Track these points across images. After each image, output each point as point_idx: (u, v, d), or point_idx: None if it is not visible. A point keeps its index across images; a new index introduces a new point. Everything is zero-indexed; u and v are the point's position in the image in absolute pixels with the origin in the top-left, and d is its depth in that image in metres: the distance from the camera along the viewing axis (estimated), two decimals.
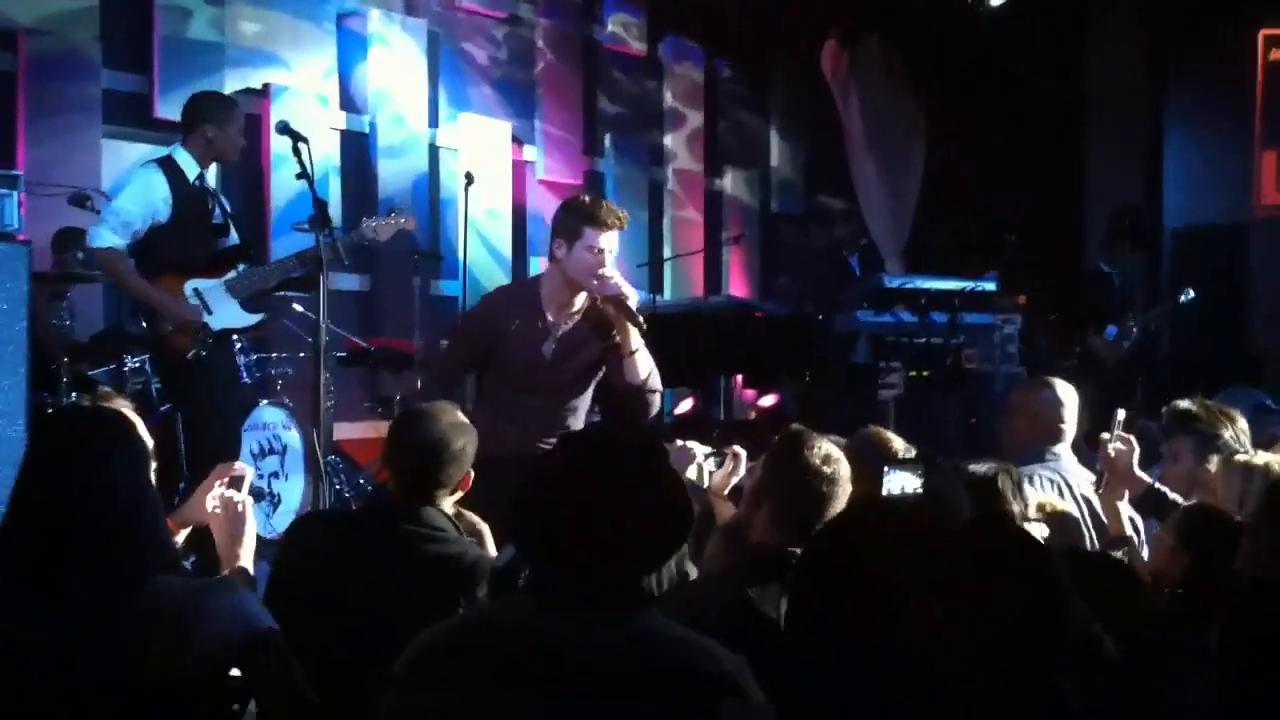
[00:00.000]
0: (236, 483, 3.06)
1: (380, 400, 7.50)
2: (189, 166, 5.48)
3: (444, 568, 2.91)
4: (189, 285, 5.46)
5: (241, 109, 5.79)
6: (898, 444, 3.69)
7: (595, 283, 4.34)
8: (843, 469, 3.01)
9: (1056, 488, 4.20)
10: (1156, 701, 2.35)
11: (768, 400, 9.03)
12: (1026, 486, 3.90)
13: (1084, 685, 2.26)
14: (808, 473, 2.95)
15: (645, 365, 4.45)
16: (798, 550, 2.76)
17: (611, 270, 4.34)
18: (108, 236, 5.36)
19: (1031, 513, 3.63)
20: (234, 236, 5.67)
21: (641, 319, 4.41)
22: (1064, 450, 4.37)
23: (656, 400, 4.57)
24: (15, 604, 2.23)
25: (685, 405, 8.81)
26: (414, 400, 4.70)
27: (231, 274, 5.56)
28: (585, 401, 4.63)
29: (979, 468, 3.61)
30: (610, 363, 4.49)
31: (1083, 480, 4.27)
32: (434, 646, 2.19)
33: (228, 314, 5.53)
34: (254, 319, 5.68)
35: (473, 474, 3.17)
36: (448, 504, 3.09)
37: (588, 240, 4.32)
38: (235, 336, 5.62)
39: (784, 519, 2.95)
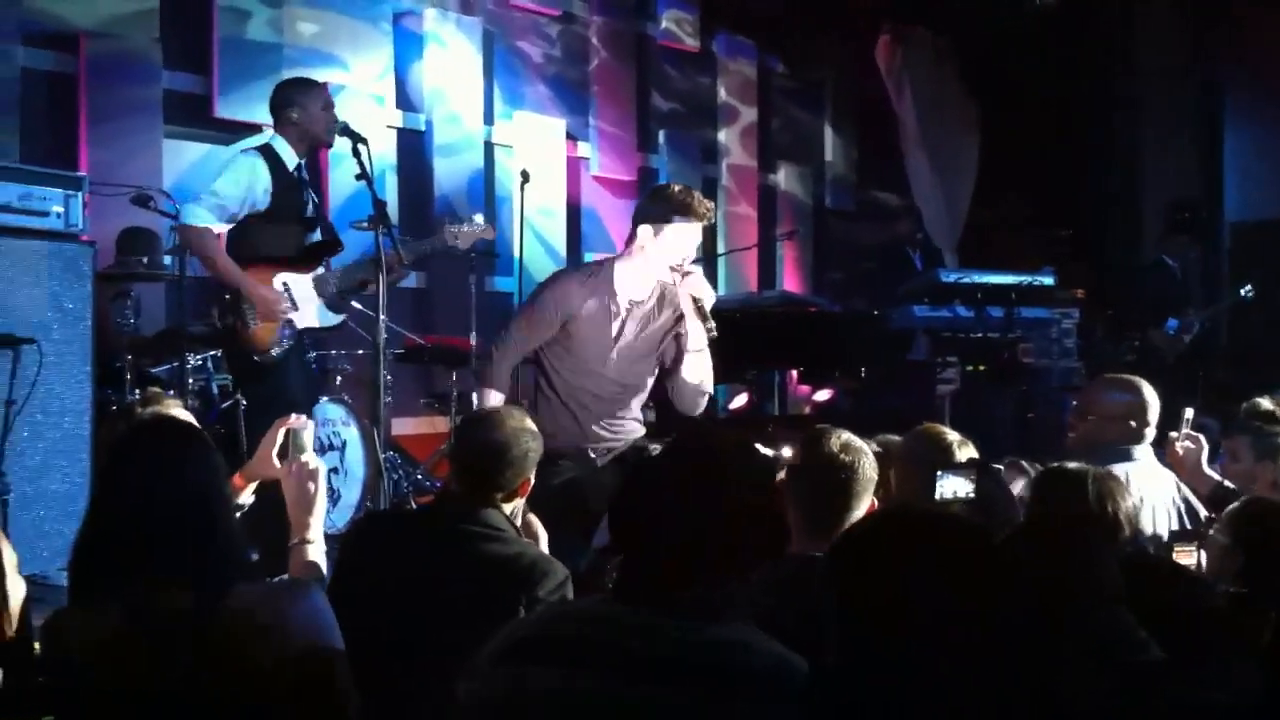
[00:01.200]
0: (296, 435, 3.11)
1: (436, 396, 7.56)
2: (288, 156, 5.34)
3: (502, 568, 2.93)
4: (279, 279, 5.29)
5: (323, 88, 5.60)
6: (953, 438, 3.64)
7: (678, 275, 4.35)
8: (864, 460, 2.97)
9: (1140, 486, 4.15)
10: (1205, 704, 2.33)
11: (822, 395, 9.00)
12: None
13: (1125, 690, 2.26)
14: (824, 462, 2.94)
15: (703, 367, 4.46)
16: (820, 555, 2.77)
17: (697, 268, 4.35)
18: (202, 215, 5.19)
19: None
20: (327, 232, 5.56)
21: (712, 324, 4.40)
22: (1144, 452, 4.28)
23: (703, 402, 4.57)
24: (97, 615, 2.25)
25: (739, 400, 8.80)
26: (483, 376, 4.65)
27: (319, 271, 5.41)
28: (642, 395, 4.64)
29: (1071, 466, 3.51)
30: (670, 357, 4.50)
31: (1167, 480, 4.19)
32: (521, 635, 2.21)
33: (312, 312, 5.39)
34: (336, 319, 5.51)
35: (533, 479, 3.19)
36: (507, 507, 3.11)
37: (677, 229, 4.32)
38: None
39: (806, 519, 2.93)
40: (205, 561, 2.27)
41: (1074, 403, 4.67)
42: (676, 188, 4.55)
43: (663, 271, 4.39)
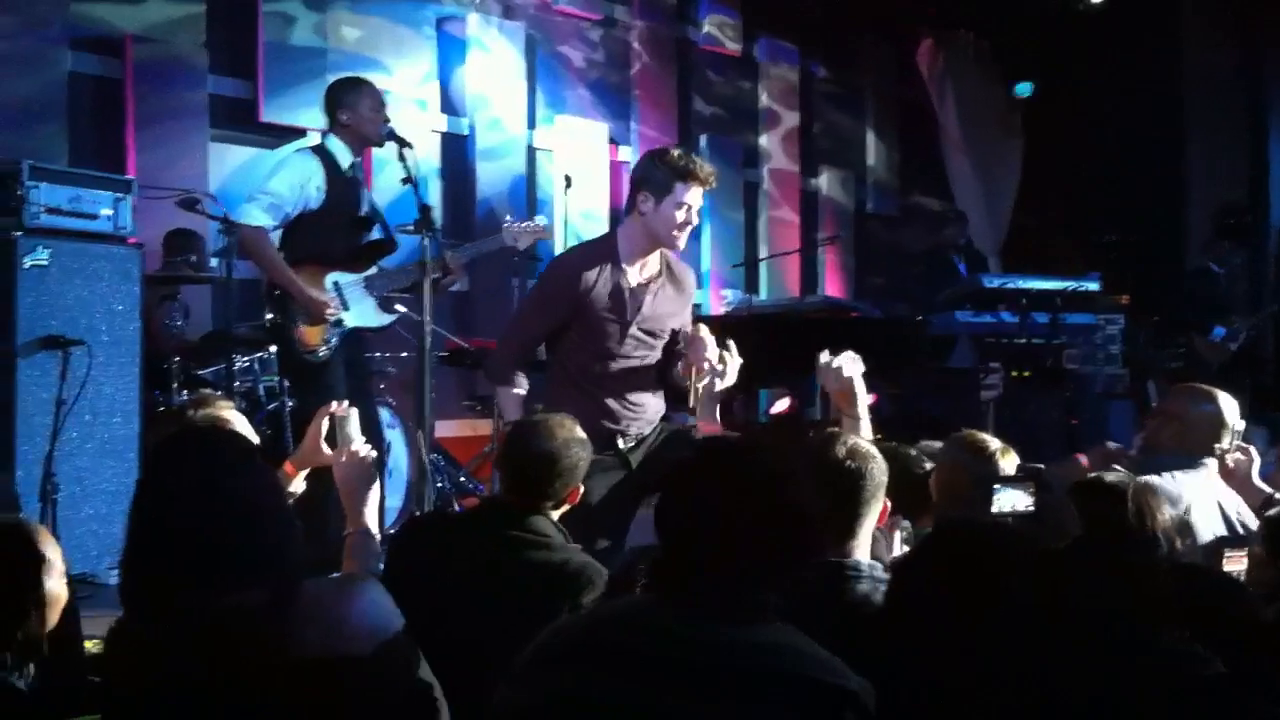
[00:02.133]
0: (341, 423, 3.14)
1: (478, 398, 7.58)
2: (342, 155, 5.39)
3: (548, 575, 2.93)
4: (329, 278, 5.34)
5: (372, 87, 5.65)
6: (995, 445, 3.60)
7: (678, 249, 4.28)
8: (872, 466, 2.91)
9: (1205, 497, 4.11)
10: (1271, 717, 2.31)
11: (780, 405, 8.96)
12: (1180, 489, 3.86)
13: (1183, 703, 2.25)
14: (832, 469, 2.86)
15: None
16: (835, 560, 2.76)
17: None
18: (257, 215, 5.24)
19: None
20: (378, 232, 5.57)
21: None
22: (1212, 464, 4.23)
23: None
24: (163, 624, 2.25)
25: (782, 404, 8.78)
26: (495, 375, 4.57)
27: (372, 270, 5.44)
28: (654, 373, 4.51)
29: (1110, 478, 3.47)
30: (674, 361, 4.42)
31: (1229, 495, 4.15)
32: (560, 637, 2.21)
33: (363, 312, 5.42)
34: (388, 319, 5.55)
35: (582, 489, 3.18)
36: (554, 515, 3.11)
37: (678, 196, 4.22)
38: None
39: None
40: (267, 567, 2.27)
41: (1154, 404, 4.64)
42: (676, 152, 4.39)
43: (669, 238, 4.32)
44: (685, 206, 4.25)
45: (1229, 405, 4.24)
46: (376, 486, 3.11)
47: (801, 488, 2.24)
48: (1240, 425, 4.04)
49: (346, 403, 3.26)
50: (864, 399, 3.87)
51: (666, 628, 2.11)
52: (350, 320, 5.36)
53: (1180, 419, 4.28)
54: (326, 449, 3.19)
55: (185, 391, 5.62)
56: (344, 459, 3.10)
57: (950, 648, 2.27)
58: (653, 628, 2.12)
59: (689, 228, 4.31)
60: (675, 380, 4.44)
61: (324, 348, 5.28)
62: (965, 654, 2.25)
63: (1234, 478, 3.90)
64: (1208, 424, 4.22)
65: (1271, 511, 3.59)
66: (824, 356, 3.89)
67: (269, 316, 5.33)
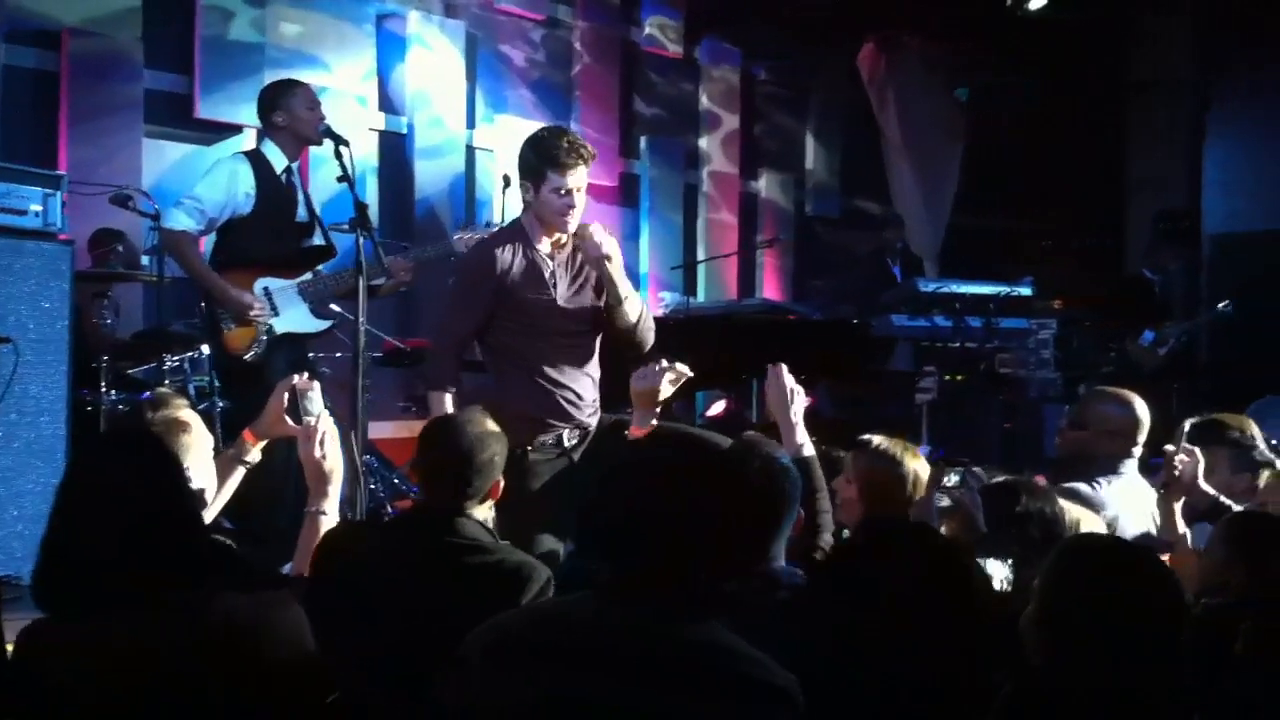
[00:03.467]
0: (303, 395, 3.19)
1: (414, 399, 7.54)
2: (276, 159, 5.38)
3: (484, 578, 2.91)
4: (259, 283, 5.33)
5: (306, 87, 5.64)
6: (894, 447, 3.66)
7: (570, 233, 4.30)
8: (784, 483, 2.98)
9: (1126, 500, 4.16)
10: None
11: (715, 409, 9.01)
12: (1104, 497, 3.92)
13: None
14: (747, 491, 2.88)
15: (634, 309, 4.37)
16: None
17: (591, 229, 4.22)
18: (181, 219, 5.25)
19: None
20: (318, 238, 5.54)
21: (620, 274, 4.27)
22: (1130, 467, 4.30)
23: (649, 338, 4.44)
24: (81, 625, 2.24)
25: (718, 407, 8.81)
26: (429, 378, 4.55)
27: (307, 276, 5.43)
28: (595, 362, 4.48)
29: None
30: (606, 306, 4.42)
31: (1149, 495, 4.22)
32: (501, 633, 2.22)
33: (295, 318, 5.40)
34: (322, 325, 5.52)
35: (503, 482, 3.17)
36: (478, 512, 3.09)
37: (553, 183, 4.23)
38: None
39: None
40: (181, 568, 2.27)
41: (1066, 409, 4.68)
42: (545, 134, 4.38)
43: (559, 224, 4.32)
44: (563, 189, 4.25)
45: (1140, 407, 4.30)
46: (340, 463, 3.12)
47: (733, 486, 2.27)
48: (1186, 425, 4.10)
49: (306, 375, 3.27)
50: (799, 408, 3.94)
51: (600, 624, 2.12)
52: (280, 325, 5.34)
53: (1093, 424, 4.33)
54: (289, 420, 3.20)
55: (114, 391, 5.56)
56: (308, 435, 3.10)
57: (868, 641, 2.31)
58: (587, 624, 2.13)
59: (573, 210, 4.31)
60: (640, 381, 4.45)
61: (251, 352, 5.26)
62: (879, 646, 2.28)
63: (1181, 480, 3.95)
64: (1121, 426, 4.28)
65: (1234, 511, 3.65)
66: (778, 367, 4.01)
67: (200, 320, 5.35)
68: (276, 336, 5.33)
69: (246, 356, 5.28)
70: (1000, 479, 3.81)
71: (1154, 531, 4.09)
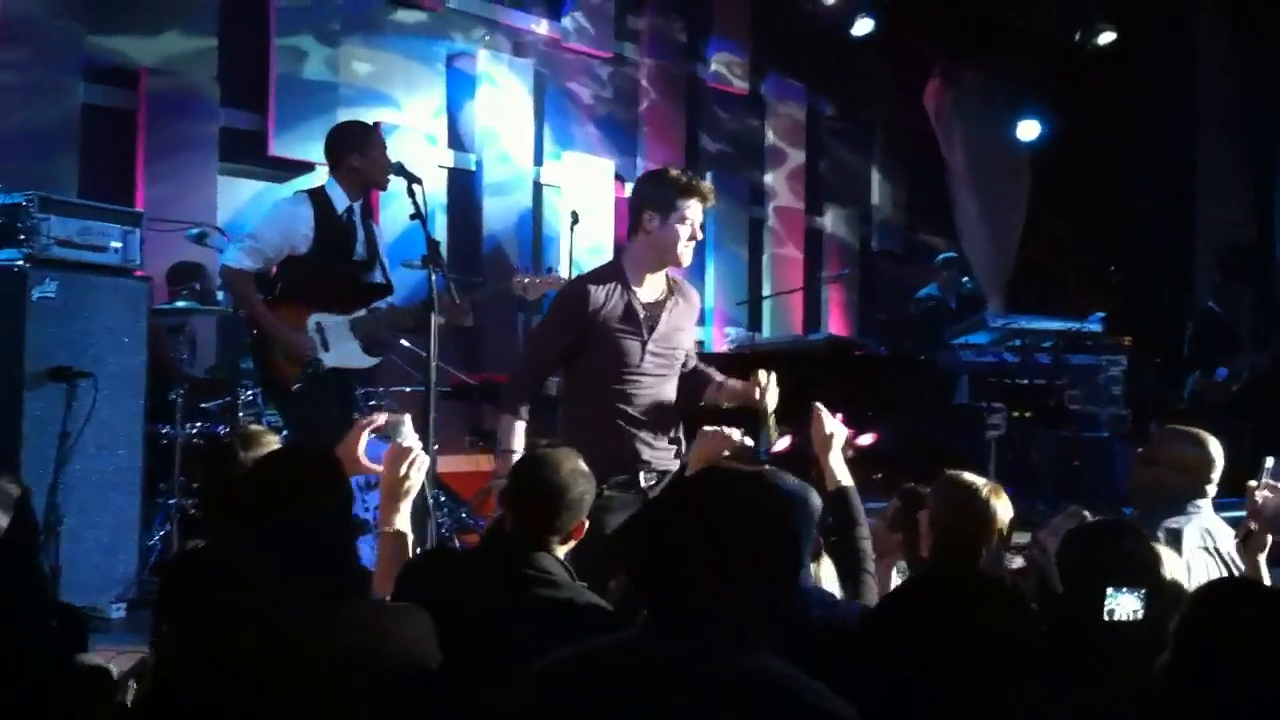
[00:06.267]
0: (394, 428, 3.25)
1: (481, 434, 7.58)
2: (339, 199, 5.38)
3: (552, 614, 2.93)
4: (312, 318, 5.33)
5: (382, 134, 5.69)
6: (982, 484, 3.60)
7: (685, 265, 4.38)
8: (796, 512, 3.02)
9: (1203, 539, 4.11)
10: None
11: (866, 439, 8.98)
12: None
13: None
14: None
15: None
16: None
17: (823, 411, 4.04)
18: (239, 257, 5.29)
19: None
20: (377, 274, 5.56)
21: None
22: (1206, 504, 4.25)
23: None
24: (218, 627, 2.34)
25: (783, 443, 8.78)
26: (504, 401, 4.58)
27: (361, 313, 5.43)
28: (674, 403, 4.54)
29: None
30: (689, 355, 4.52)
31: (1225, 534, 4.17)
32: (549, 672, 2.23)
33: (345, 352, 5.39)
34: (370, 362, 5.52)
35: (588, 523, 3.19)
36: (561, 551, 3.11)
37: (682, 211, 4.28)
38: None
39: None
40: (322, 575, 2.37)
41: (1139, 450, 4.62)
42: (674, 170, 4.48)
43: (676, 253, 4.38)
44: (690, 221, 4.32)
45: (1214, 446, 4.25)
46: (417, 485, 3.20)
47: (771, 514, 2.27)
48: (1270, 462, 4.05)
49: (397, 413, 3.34)
50: (839, 446, 3.95)
51: (648, 659, 2.13)
52: (329, 360, 5.35)
53: (1166, 461, 4.29)
54: (365, 459, 3.27)
55: (189, 425, 5.64)
56: (397, 457, 3.16)
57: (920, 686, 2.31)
58: (635, 660, 2.14)
59: (694, 242, 4.38)
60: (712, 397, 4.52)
61: (296, 384, 5.29)
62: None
63: (1262, 514, 3.90)
64: (1195, 464, 4.23)
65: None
66: (818, 409, 4.00)
67: (252, 353, 5.40)
68: (324, 369, 5.35)
69: (293, 386, 5.30)
70: (1097, 519, 3.74)
71: (1234, 573, 4.04)
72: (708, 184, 4.42)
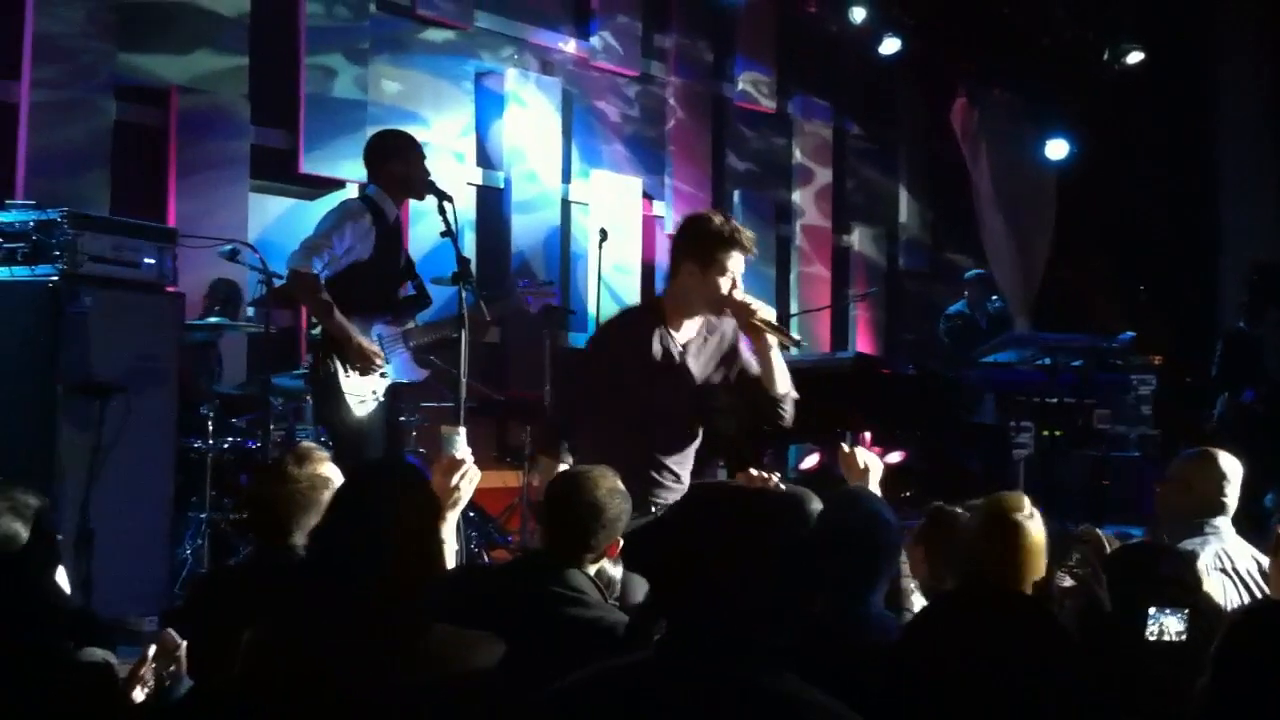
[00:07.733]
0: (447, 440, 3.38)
1: (509, 450, 7.60)
2: (388, 207, 5.30)
3: (579, 632, 2.93)
4: (375, 329, 5.21)
5: (417, 141, 5.53)
6: (1027, 507, 3.58)
7: (743, 310, 4.31)
8: (877, 537, 3.01)
9: (1219, 560, 4.09)
10: None
11: (894, 457, 8.96)
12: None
13: None
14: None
15: (784, 372, 4.39)
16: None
17: (749, 299, 4.24)
18: (308, 261, 5.08)
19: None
20: (410, 287, 5.49)
21: (794, 336, 4.37)
22: (1224, 523, 4.23)
23: (791, 408, 4.40)
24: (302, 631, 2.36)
25: (811, 461, 8.77)
26: (538, 439, 4.59)
27: (411, 324, 5.35)
28: (695, 444, 4.52)
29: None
30: (746, 377, 4.42)
31: (1244, 554, 4.15)
32: (566, 692, 2.23)
33: (400, 366, 5.30)
34: (422, 375, 5.42)
35: (621, 542, 3.19)
36: (592, 569, 3.11)
37: (723, 264, 4.22)
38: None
39: None
40: (401, 594, 2.39)
41: (1168, 472, 4.60)
42: (716, 220, 4.34)
43: (716, 305, 4.34)
44: (730, 273, 4.28)
45: (1228, 461, 4.24)
46: (465, 497, 3.22)
47: (793, 535, 2.27)
48: None
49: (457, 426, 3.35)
50: (875, 484, 3.95)
51: (665, 680, 2.12)
52: (391, 374, 5.25)
53: (1186, 482, 4.27)
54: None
55: (220, 440, 5.66)
56: (448, 469, 3.18)
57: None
58: (652, 680, 2.12)
59: (736, 291, 4.35)
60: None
61: (371, 400, 5.15)
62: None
63: None
64: (1213, 482, 4.22)
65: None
66: (846, 448, 4.02)
67: (317, 365, 5.15)
68: (390, 385, 5.23)
69: (370, 404, 5.14)
70: (1136, 541, 3.73)
71: (1256, 594, 4.01)
72: (749, 234, 4.31)
